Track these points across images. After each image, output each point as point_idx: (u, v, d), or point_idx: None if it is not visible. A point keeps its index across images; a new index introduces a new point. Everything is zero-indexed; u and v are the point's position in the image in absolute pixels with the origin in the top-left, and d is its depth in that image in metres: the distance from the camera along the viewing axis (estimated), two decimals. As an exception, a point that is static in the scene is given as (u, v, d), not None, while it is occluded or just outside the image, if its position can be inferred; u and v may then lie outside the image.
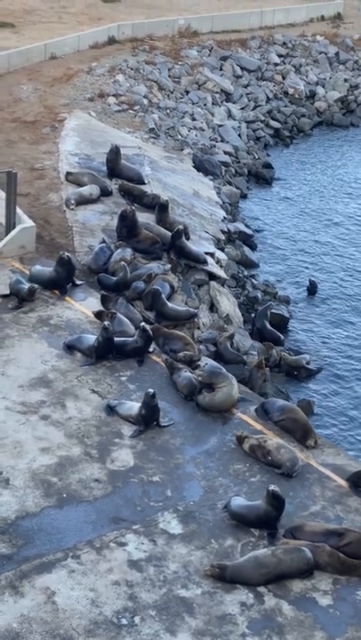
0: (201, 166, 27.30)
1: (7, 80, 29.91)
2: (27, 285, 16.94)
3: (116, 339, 15.60)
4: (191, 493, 12.61)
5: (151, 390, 13.71)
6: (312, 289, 23.34)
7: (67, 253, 17.66)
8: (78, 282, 17.86)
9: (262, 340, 19.56)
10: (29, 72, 30.89)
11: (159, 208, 20.53)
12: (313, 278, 23.72)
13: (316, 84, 37.85)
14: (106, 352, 15.44)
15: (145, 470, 12.96)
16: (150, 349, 15.82)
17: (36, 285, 17.07)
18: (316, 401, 18.43)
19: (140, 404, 13.87)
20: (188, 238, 20.15)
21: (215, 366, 14.94)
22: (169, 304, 17.37)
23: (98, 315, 16.48)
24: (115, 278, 17.74)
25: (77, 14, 38.15)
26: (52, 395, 14.49)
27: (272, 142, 34.07)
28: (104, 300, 17.09)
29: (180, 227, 19.51)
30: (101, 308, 16.80)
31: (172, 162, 26.25)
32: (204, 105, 32.67)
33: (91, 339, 15.55)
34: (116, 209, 20.56)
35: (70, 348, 15.65)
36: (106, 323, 15.42)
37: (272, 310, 20.90)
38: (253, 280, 23.26)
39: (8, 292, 17.05)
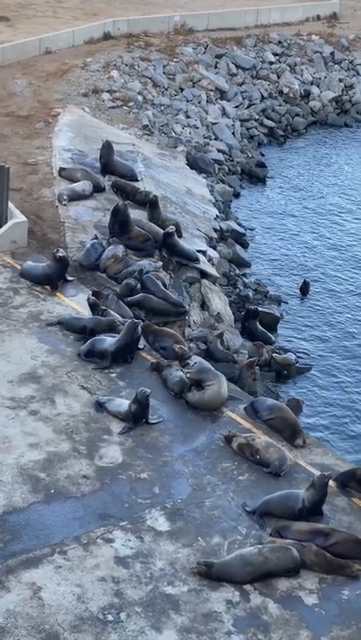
0: (194, 164, 27.31)
1: (1, 74, 29.83)
2: (86, 318, 16.37)
3: (105, 336, 15.67)
4: (179, 491, 12.64)
5: (148, 390, 13.73)
6: (305, 289, 23.39)
7: (61, 250, 17.69)
8: (70, 278, 17.88)
9: (253, 339, 19.61)
10: (24, 66, 30.83)
11: (149, 205, 20.56)
12: (307, 279, 23.76)
13: (311, 83, 37.88)
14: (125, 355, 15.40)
15: (133, 467, 12.98)
16: (140, 346, 15.85)
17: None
18: (306, 400, 18.49)
19: (129, 401, 13.89)
20: (180, 236, 20.17)
21: (204, 364, 14.97)
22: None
23: (93, 306, 16.48)
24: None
25: (72, 9, 38.07)
26: (41, 390, 14.49)
27: (266, 141, 34.09)
28: (95, 297, 17.06)
29: (172, 227, 19.50)
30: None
31: (165, 159, 26.24)
32: (199, 103, 32.67)
33: (108, 341, 15.42)
34: (109, 205, 20.55)
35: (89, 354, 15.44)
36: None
37: (263, 309, 20.97)
38: (245, 279, 23.30)
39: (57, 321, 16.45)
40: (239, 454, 13.37)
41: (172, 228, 19.47)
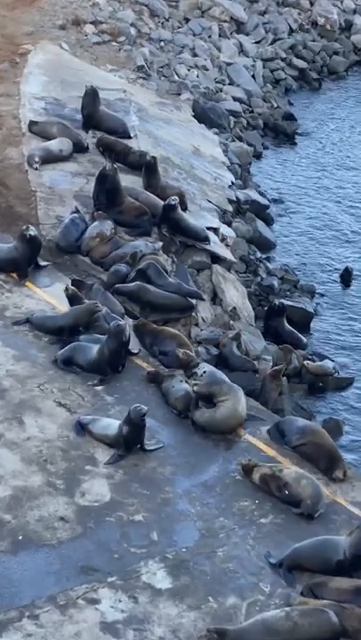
0: (203, 116, 27.34)
1: None
2: (62, 314, 16.48)
3: (89, 341, 15.73)
4: (184, 537, 12.64)
5: (144, 408, 13.72)
6: (346, 278, 23.42)
7: (31, 228, 17.70)
8: (43, 263, 17.90)
9: (279, 341, 19.61)
10: (-17, -9, 30.86)
11: (146, 169, 20.60)
12: (349, 265, 23.76)
13: (354, 12, 37.85)
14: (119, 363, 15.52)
15: (125, 507, 12.98)
16: (135, 351, 15.86)
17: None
18: (346, 421, 18.48)
19: (120, 422, 13.88)
20: (185, 209, 20.17)
21: (216, 374, 14.99)
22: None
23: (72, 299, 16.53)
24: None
25: None
26: (6, 408, 14.51)
27: (295, 86, 34.12)
28: (76, 287, 17.05)
29: (175, 198, 19.47)
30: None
31: (166, 110, 26.27)
32: (209, 37, 32.68)
33: (92, 349, 15.50)
34: (93, 169, 20.56)
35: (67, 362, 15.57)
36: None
37: (291, 304, 20.98)
38: (268, 264, 23.30)
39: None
40: (262, 489, 13.36)
41: (174, 199, 19.47)
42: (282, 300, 20.84)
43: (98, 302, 16.31)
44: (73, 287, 16.68)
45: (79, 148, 21.75)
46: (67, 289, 16.64)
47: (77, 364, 15.46)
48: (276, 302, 20.47)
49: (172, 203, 19.37)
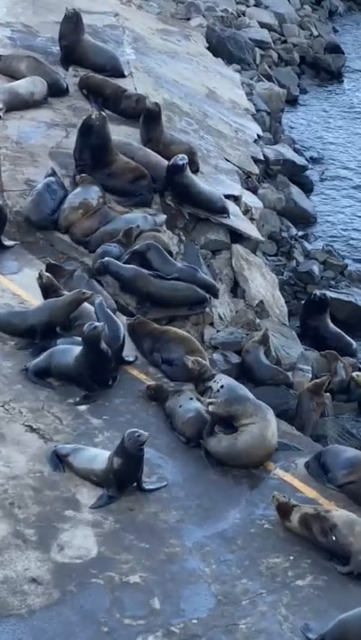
0: (221, 48, 27.58)
1: None
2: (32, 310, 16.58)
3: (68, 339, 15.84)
4: (194, 605, 12.55)
5: (143, 434, 13.66)
6: None
7: None
8: (8, 242, 18.03)
9: (320, 346, 19.58)
10: None
11: (146, 118, 20.68)
12: None
13: None
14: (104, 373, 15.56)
15: (116, 565, 12.91)
16: (130, 359, 15.95)
17: None
18: None
19: (110, 453, 13.87)
20: (195, 171, 20.20)
21: (237, 390, 14.98)
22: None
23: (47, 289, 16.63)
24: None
25: None
26: None
27: (342, 9, 34.27)
28: (52, 274, 17.04)
29: (183, 157, 19.44)
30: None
31: (171, 40, 26.39)
32: None
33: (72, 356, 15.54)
34: (76, 118, 20.64)
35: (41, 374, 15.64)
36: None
37: (336, 296, 20.97)
38: (306, 244, 23.30)
39: None
40: (300, 535, 13.30)
41: (182, 158, 19.47)
42: (324, 292, 20.89)
43: (84, 290, 16.29)
44: (48, 274, 16.69)
45: (56, 89, 21.89)
46: (40, 276, 16.66)
47: (54, 376, 15.48)
48: (317, 294, 20.49)
49: (180, 162, 19.40)
